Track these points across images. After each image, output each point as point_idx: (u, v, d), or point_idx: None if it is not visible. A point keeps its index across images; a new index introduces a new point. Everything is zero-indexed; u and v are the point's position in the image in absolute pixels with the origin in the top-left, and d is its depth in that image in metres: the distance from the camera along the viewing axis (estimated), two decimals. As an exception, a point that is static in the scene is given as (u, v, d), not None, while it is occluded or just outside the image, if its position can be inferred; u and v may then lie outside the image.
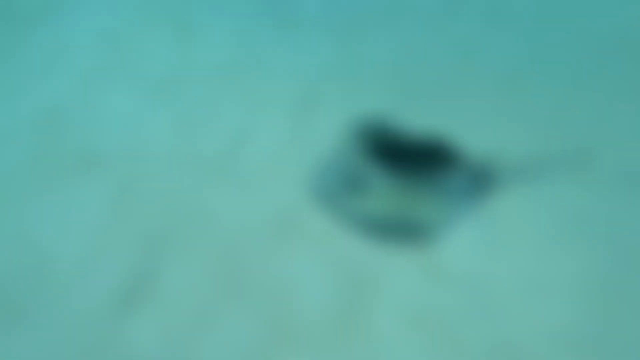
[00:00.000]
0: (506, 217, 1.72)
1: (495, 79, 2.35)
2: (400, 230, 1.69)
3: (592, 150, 1.94)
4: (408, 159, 1.72)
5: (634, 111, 2.14)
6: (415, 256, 1.62)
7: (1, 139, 1.98)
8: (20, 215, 1.69)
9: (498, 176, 1.80)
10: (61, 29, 2.55)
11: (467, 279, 1.55)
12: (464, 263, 1.59)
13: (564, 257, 1.57)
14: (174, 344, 1.35)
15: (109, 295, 1.47)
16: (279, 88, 2.30)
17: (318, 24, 2.72)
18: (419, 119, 2.15)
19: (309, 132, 2.09)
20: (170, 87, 2.27)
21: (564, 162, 1.80)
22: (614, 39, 2.64)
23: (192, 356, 1.32)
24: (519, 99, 2.24)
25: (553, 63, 2.47)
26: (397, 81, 2.37)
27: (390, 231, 1.67)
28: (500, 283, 1.53)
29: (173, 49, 2.49)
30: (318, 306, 1.47)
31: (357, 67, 2.44)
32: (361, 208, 1.69)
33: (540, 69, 2.43)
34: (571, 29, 2.71)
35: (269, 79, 2.35)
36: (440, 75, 2.40)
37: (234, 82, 2.32)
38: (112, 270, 1.54)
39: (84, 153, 1.92)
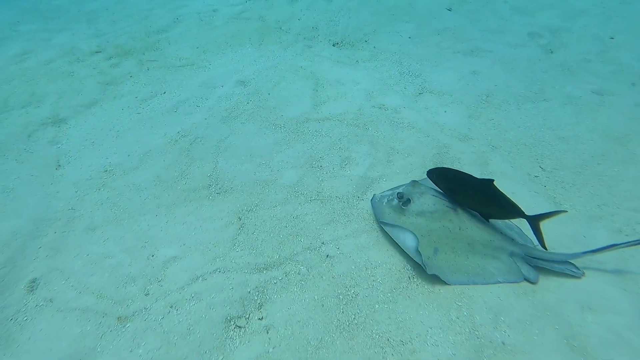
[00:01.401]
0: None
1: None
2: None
3: None
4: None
5: None
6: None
7: (152, 155, 2.35)
8: (159, 218, 1.98)
9: None
10: (209, 76, 3.02)
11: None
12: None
13: None
14: None
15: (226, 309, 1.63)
16: (408, 143, 2.37)
17: (454, 94, 2.82)
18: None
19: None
20: (299, 130, 2.50)
21: None
22: None
23: None
24: None
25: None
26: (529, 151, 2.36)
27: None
28: None
29: (305, 100, 2.76)
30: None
31: (487, 133, 2.49)
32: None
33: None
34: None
35: (399, 133, 2.46)
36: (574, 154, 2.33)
37: (364, 132, 2.47)
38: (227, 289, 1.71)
39: (215, 177, 2.19)
